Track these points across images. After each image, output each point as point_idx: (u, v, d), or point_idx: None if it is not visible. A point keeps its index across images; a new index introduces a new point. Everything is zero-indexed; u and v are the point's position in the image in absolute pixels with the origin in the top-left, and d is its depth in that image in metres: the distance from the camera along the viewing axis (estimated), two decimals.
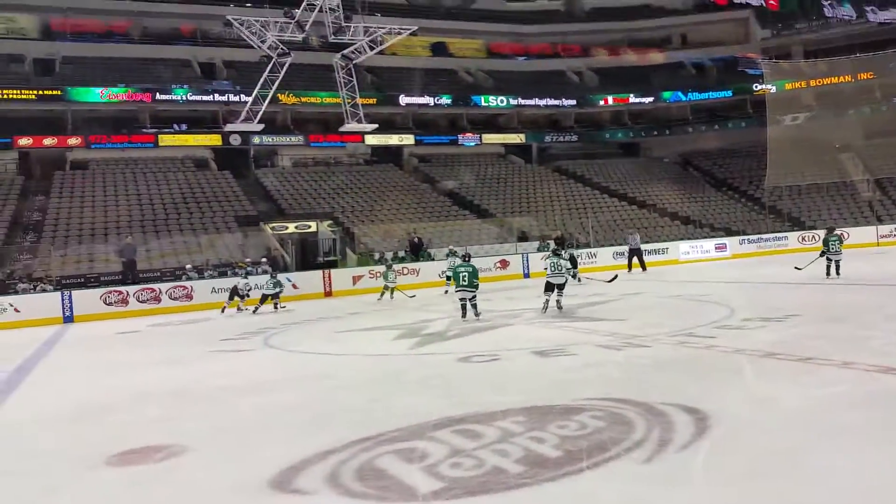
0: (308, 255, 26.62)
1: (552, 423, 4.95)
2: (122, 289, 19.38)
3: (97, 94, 31.36)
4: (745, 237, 29.96)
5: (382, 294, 18.76)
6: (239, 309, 17.70)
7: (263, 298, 17.54)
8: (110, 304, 18.78)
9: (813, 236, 28.03)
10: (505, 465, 4.11)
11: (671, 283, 17.75)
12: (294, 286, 20.62)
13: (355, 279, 21.90)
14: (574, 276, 16.59)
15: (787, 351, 7.11)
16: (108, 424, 6.15)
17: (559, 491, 3.70)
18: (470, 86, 41.11)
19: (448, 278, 17.40)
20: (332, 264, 24.92)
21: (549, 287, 12.69)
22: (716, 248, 28.39)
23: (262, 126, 32.06)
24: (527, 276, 23.95)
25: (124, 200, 27.72)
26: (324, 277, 21.96)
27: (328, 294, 21.53)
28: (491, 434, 4.78)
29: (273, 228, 26.72)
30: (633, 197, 35.54)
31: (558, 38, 43.70)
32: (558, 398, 5.71)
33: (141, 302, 19.10)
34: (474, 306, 12.33)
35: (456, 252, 19.48)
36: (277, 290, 17.77)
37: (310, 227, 27.57)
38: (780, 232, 30.87)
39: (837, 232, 17.16)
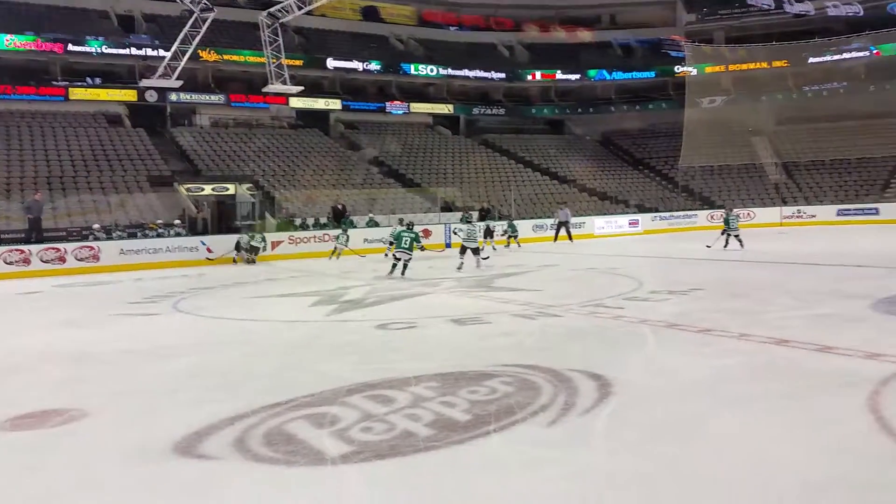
0: (225, 219, 25.83)
1: (464, 388, 5.04)
2: (25, 248, 18.32)
3: (2, 42, 29.19)
4: (658, 214, 31.13)
5: (333, 254, 20.24)
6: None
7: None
8: (11, 262, 17.74)
9: (720, 215, 29.32)
10: (415, 428, 4.17)
11: (586, 256, 18.26)
12: (209, 250, 20.04)
13: (274, 245, 21.45)
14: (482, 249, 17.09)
15: (689, 323, 7.48)
16: (3, 388, 5.86)
17: (466, 453, 3.79)
18: (400, 53, 40.59)
19: (390, 243, 18.20)
20: (251, 229, 24.30)
21: (463, 250, 14.97)
22: (629, 223, 29.41)
23: (180, 83, 30.68)
24: (448, 245, 24.09)
25: (29, 156, 26.08)
26: None
27: None
28: (403, 399, 4.83)
29: (188, 190, 25.76)
30: (555, 172, 36.20)
31: (490, 10, 43.63)
32: (472, 365, 5.82)
33: (45, 262, 18.10)
34: (405, 267, 13.72)
35: (402, 220, 20.29)
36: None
37: (228, 189, 26.72)
38: (690, 210, 32.21)
39: (736, 211, 20.48)
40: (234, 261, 19.72)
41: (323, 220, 24.61)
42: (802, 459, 3.55)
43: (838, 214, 30.52)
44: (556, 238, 25.07)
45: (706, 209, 32.36)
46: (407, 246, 13.79)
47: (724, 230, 18.68)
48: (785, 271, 12.98)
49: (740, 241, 18.18)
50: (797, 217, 31.29)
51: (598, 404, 4.56)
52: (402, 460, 3.70)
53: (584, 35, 43.09)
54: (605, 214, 30.49)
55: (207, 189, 26.33)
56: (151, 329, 9.02)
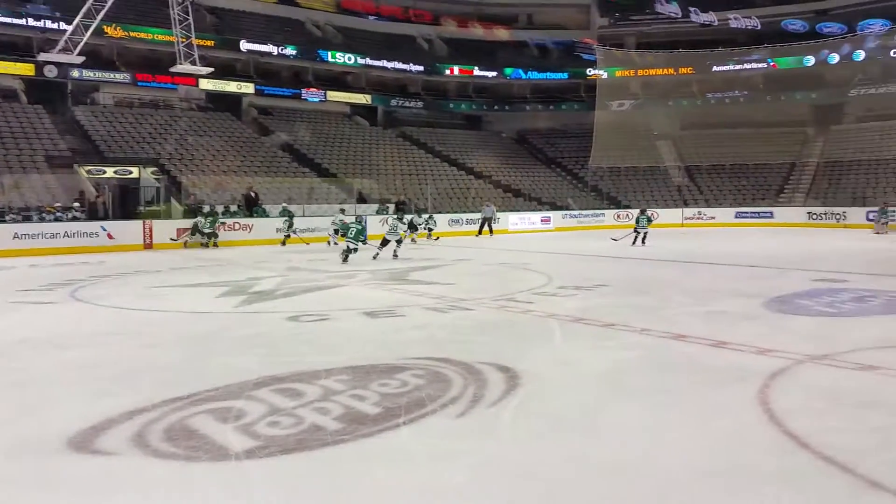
0: (128, 204, 24.64)
1: (375, 381, 5.03)
2: None
3: None
4: (568, 212, 32.02)
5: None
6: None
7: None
8: None
9: (627, 214, 30.56)
10: (324, 422, 4.13)
11: (499, 252, 18.57)
12: (109, 236, 19.11)
13: (180, 232, 20.69)
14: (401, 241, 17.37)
15: (594, 317, 7.74)
16: None
17: (375, 446, 3.78)
18: (318, 40, 39.83)
19: (336, 231, 19.30)
20: (155, 214, 23.31)
21: (384, 242, 15.92)
22: (541, 220, 30.13)
23: (82, 59, 29.00)
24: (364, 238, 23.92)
25: None
26: (144, 228, 20.49)
27: (148, 247, 20.16)
28: (312, 393, 4.76)
29: (89, 172, 24.44)
30: (471, 167, 36.57)
31: (410, 2, 43.49)
32: (383, 357, 5.81)
33: None
34: (348, 253, 14.86)
35: (344, 210, 22.33)
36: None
37: (131, 172, 25.48)
38: (598, 209, 33.31)
39: (648, 213, 21.47)
40: (185, 244, 20.11)
41: (233, 208, 23.89)
42: (695, 448, 3.74)
43: (736, 217, 32.32)
44: (479, 233, 26.20)
45: (613, 208, 33.59)
46: (353, 236, 15.00)
47: (636, 228, 20.30)
48: (685, 270, 13.62)
49: (644, 239, 19.73)
50: (698, 218, 32.92)
51: (506, 396, 4.66)
52: (309, 454, 3.66)
53: (501, 33, 43.64)
54: (518, 211, 31.09)
55: (109, 172, 25.05)
56: (47, 318, 8.52)
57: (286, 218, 21.88)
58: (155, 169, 26.10)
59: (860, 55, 38.52)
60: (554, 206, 33.08)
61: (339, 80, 39.81)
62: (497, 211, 27.51)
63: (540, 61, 44.07)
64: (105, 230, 19.22)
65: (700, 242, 21.35)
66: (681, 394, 4.82)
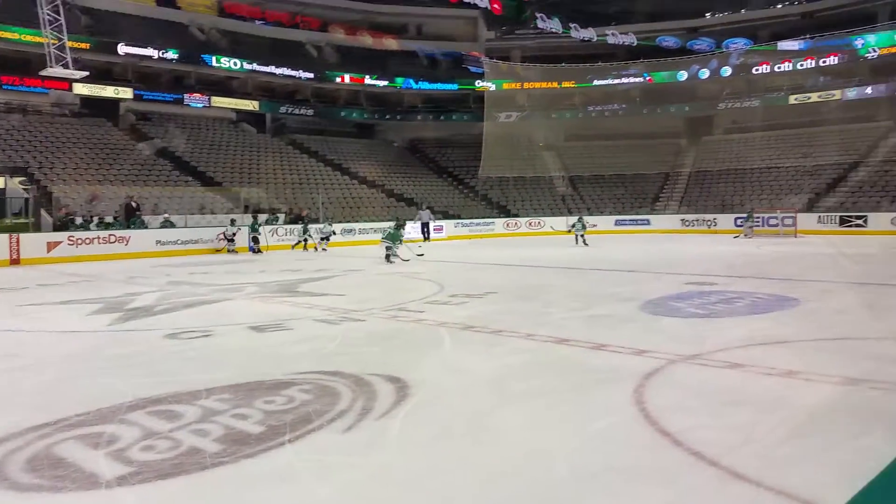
0: None
1: (259, 398, 4.88)
2: None
3: None
4: (460, 221, 32.50)
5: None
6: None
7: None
8: None
9: (515, 223, 31.42)
10: (203, 444, 3.96)
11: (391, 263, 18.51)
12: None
13: (50, 246, 19.31)
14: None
15: (483, 324, 7.88)
16: None
17: (257, 466, 3.65)
18: (201, 43, 38.36)
19: (323, 238, 23.44)
20: (23, 227, 21.66)
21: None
22: (434, 229, 30.32)
23: None
24: (253, 250, 23.23)
25: None
26: (10, 242, 18.98)
27: (15, 262, 18.70)
28: (192, 414, 4.56)
29: None
30: (363, 176, 36.43)
31: (298, 8, 42.67)
32: (269, 373, 5.64)
33: None
34: (390, 254, 17.09)
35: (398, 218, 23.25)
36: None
37: None
38: (488, 218, 34.02)
39: (587, 220, 25.43)
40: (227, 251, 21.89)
41: (108, 220, 22.58)
42: (575, 449, 3.87)
43: (616, 224, 33.86)
44: (425, 238, 27.87)
45: (503, 217, 34.42)
46: (387, 237, 17.52)
47: (574, 235, 23.70)
48: (569, 276, 14.14)
49: (585, 241, 22.87)
50: (591, 227, 34.27)
51: (396, 407, 4.64)
52: (186, 479, 3.49)
53: (391, 42, 43.70)
54: (411, 220, 31.18)
55: None
56: None
57: (303, 225, 24.54)
58: (23, 178, 24.26)
59: (727, 71, 41.54)
60: (447, 215, 33.46)
61: (224, 85, 38.58)
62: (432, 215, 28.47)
63: (430, 72, 44.53)
64: None
65: (582, 249, 22.24)
66: (563, 396, 4.98)
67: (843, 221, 28.86)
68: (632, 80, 43.53)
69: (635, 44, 41.55)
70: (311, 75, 40.69)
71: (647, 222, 34.30)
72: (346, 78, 41.81)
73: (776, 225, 29.33)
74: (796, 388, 5.05)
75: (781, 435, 4.01)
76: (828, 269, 14.48)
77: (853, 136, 36.58)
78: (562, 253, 20.26)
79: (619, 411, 4.53)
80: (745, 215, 29.68)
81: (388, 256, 17.10)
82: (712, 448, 3.76)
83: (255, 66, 38.45)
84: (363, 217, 30.88)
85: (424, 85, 43.60)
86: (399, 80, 42.97)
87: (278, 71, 39.37)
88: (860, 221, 28.31)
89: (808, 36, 39.03)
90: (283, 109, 40.21)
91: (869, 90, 37.35)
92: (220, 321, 8.67)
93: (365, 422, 4.33)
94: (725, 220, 31.97)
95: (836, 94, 38.15)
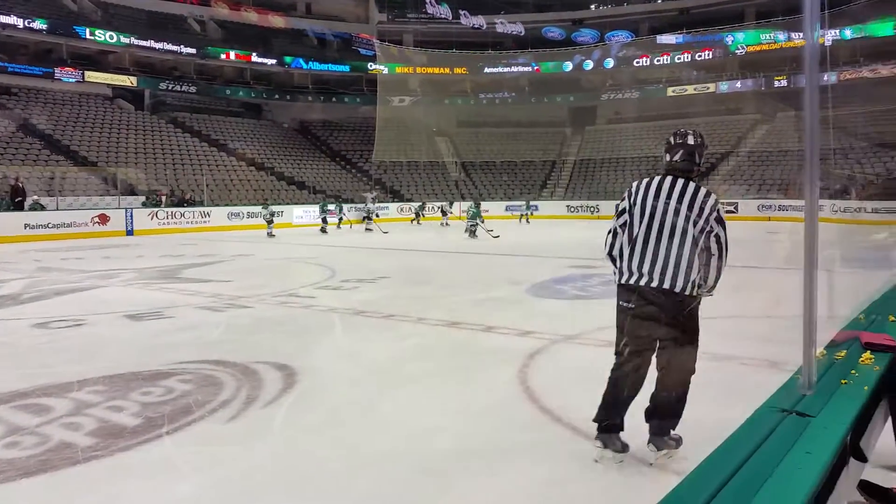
0: None
1: (136, 390, 4.67)
2: None
3: None
4: (354, 205, 32.15)
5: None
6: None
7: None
8: None
9: (409, 207, 31.47)
10: (74, 439, 3.75)
11: (282, 246, 18.16)
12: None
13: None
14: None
15: (375, 309, 7.87)
16: None
17: (133, 460, 3.50)
18: (74, 14, 35.77)
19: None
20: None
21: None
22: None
23: None
24: (130, 233, 22.07)
25: None
26: None
27: None
28: (62, 407, 4.31)
29: None
30: (252, 158, 35.30)
31: None
32: (147, 364, 5.40)
33: None
34: (475, 229, 20.11)
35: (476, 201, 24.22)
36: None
37: None
38: (382, 202, 33.87)
39: (485, 207, 25.16)
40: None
41: None
42: (460, 428, 3.96)
43: (506, 210, 34.61)
44: (365, 223, 27.64)
45: (397, 201, 34.40)
46: (470, 216, 20.54)
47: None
48: (461, 260, 14.36)
49: (473, 232, 20.44)
50: (463, 212, 34.81)
51: (282, 395, 4.57)
52: (53, 476, 3.30)
53: (277, 20, 42.43)
54: (302, 204, 30.57)
55: None
56: None
57: (336, 205, 25.81)
58: None
59: (610, 63, 43.27)
60: (340, 199, 33.01)
61: (99, 59, 36.18)
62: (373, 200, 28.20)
63: (321, 52, 43.64)
64: None
65: (452, 235, 22.55)
66: (451, 378, 5.08)
67: None
68: (520, 69, 44.50)
69: (523, 33, 42.53)
70: (193, 51, 38.85)
71: (536, 208, 35.31)
72: (232, 55, 40.22)
73: None
74: None
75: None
76: None
77: (725, 127, 39.15)
78: (455, 238, 20.52)
79: (503, 390, 4.67)
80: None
81: (472, 231, 20.09)
82: (589, 424, 3.94)
83: (133, 40, 36.28)
84: (250, 200, 29.96)
85: (315, 65, 42.67)
86: (288, 59, 41.82)
87: (158, 45, 37.32)
88: (731, 208, 30.38)
89: (684, 31, 41.33)
90: (163, 86, 38.18)
91: (739, 84, 40.05)
92: (95, 309, 8.18)
93: (249, 411, 4.23)
94: (607, 207, 33.43)
95: (710, 88, 40.66)
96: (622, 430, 3.40)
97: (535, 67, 44.17)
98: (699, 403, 4.33)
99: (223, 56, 40.05)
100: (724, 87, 40.43)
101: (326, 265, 12.84)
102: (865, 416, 1.54)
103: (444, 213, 28.84)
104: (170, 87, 38.39)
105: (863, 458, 1.41)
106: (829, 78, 34.25)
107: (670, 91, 41.79)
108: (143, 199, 26.10)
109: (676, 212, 3.17)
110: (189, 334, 6.70)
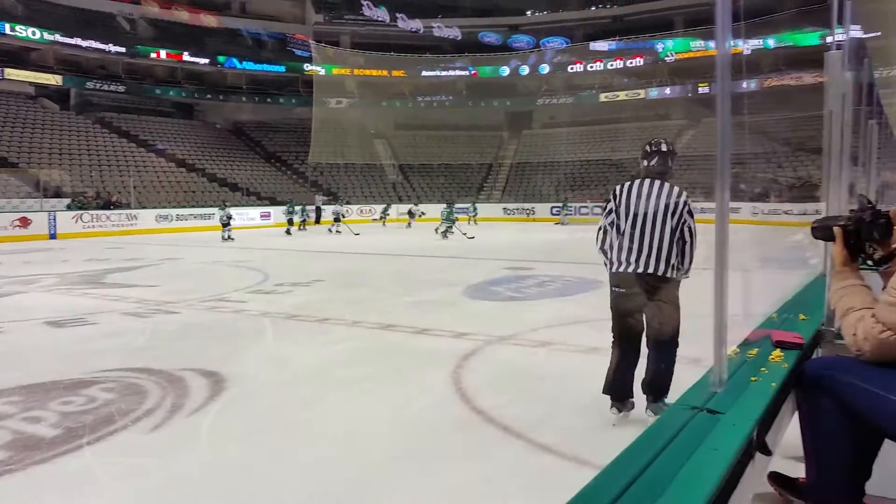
0: None
1: (55, 399, 4.48)
2: None
3: None
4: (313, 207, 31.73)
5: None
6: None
7: None
8: None
9: (347, 210, 31.18)
10: None
11: (213, 249, 17.73)
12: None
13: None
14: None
15: (309, 313, 7.77)
16: None
17: (50, 472, 3.35)
18: None
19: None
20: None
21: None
22: (261, 216, 29.38)
23: None
24: (53, 236, 21.15)
25: None
26: None
27: None
28: None
29: None
30: (182, 159, 34.35)
31: None
32: (68, 372, 5.18)
33: None
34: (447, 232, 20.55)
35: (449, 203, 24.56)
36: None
37: None
38: (350, 204, 33.51)
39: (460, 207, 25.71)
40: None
41: None
42: (392, 432, 3.94)
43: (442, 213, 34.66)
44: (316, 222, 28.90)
45: (333, 204, 34.02)
46: (444, 217, 21.13)
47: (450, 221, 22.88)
48: (397, 262, 14.33)
49: (445, 234, 20.73)
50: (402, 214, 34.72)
51: (209, 402, 4.45)
52: None
53: (210, 19, 41.44)
54: (235, 206, 29.92)
55: None
56: None
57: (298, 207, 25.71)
58: None
59: (545, 68, 44.01)
60: (275, 202, 32.46)
61: (20, 56, 34.57)
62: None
63: (255, 52, 42.86)
64: None
65: (411, 237, 22.63)
66: (385, 381, 5.05)
67: None
68: (458, 72, 44.79)
69: (460, 37, 42.79)
70: (122, 50, 37.58)
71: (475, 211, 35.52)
72: (162, 54, 39.10)
73: (587, 213, 31.71)
74: (597, 363, 5.47)
75: (582, 407, 4.35)
76: None
77: (654, 132, 40.23)
78: (392, 240, 20.50)
79: (436, 392, 4.67)
80: (560, 205, 31.76)
81: (445, 234, 20.56)
82: (520, 423, 4.00)
83: (59, 37, 34.84)
84: (180, 203, 29.14)
85: (249, 65, 41.86)
86: (221, 58, 40.92)
87: (85, 43, 35.96)
88: None
89: (617, 38, 42.40)
90: (90, 85, 36.78)
91: (668, 91, 41.34)
92: (11, 316, 7.80)
93: (174, 419, 4.10)
94: (543, 209, 33.98)
95: (641, 94, 41.82)
96: (631, 396, 4.00)
97: (473, 71, 44.54)
98: None
99: (153, 55, 38.88)
100: (653, 93, 41.65)
101: (259, 269, 12.60)
102: (772, 411, 1.61)
103: (411, 214, 28.66)
104: (97, 87, 37.00)
105: (768, 452, 1.47)
106: (750, 85, 35.79)
107: (603, 97, 42.78)
108: (67, 201, 25.05)
109: (656, 209, 3.80)
110: (113, 341, 6.46)
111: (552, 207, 33.08)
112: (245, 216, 28.76)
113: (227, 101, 41.84)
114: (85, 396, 4.55)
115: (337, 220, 25.66)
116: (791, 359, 1.92)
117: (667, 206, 3.80)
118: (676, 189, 3.88)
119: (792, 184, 30.60)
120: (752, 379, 1.70)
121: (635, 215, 3.83)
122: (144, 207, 26.34)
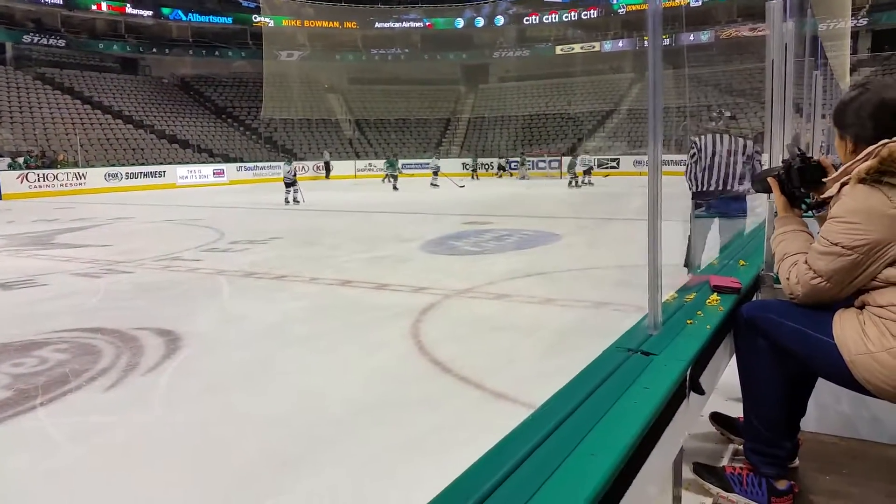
0: None
1: (6, 361, 4.42)
2: None
3: None
4: (243, 164, 31.10)
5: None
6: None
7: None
8: None
9: (303, 166, 30.75)
10: None
11: (165, 208, 17.36)
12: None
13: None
14: None
15: (265, 270, 7.72)
16: None
17: (3, 434, 3.32)
18: None
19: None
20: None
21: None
22: (214, 173, 28.80)
23: None
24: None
25: None
26: None
27: None
28: None
29: None
30: (129, 116, 33.24)
31: None
32: (18, 335, 5.09)
33: None
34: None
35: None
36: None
37: None
38: (274, 161, 32.91)
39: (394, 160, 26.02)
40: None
41: None
42: (350, 387, 3.99)
43: (402, 168, 34.45)
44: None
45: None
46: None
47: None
48: (355, 219, 14.25)
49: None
50: (369, 170, 34.44)
51: (165, 361, 4.43)
52: None
53: None
54: (186, 163, 29.26)
55: None
56: None
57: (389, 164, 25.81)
58: None
59: (500, 20, 43.48)
60: (227, 159, 31.78)
61: None
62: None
63: (201, 3, 41.29)
64: None
65: (369, 193, 22.47)
66: (343, 336, 5.08)
67: (600, 164, 32.01)
68: (412, 24, 43.94)
69: None
70: (59, 1, 35.76)
71: (439, 168, 35.38)
72: (104, 6, 37.42)
73: (544, 167, 31.86)
74: (552, 313, 5.64)
75: (537, 355, 4.47)
76: (588, 206, 16.11)
77: (608, 86, 40.40)
78: (349, 196, 20.31)
79: (395, 346, 4.73)
80: (518, 159, 31.80)
81: (394, 185, 23.15)
82: (478, 372, 4.10)
83: None
84: (130, 160, 28.32)
85: (195, 17, 40.38)
86: (166, 10, 39.36)
87: None
88: (614, 164, 31.61)
89: None
90: (26, 38, 35.03)
91: (621, 43, 41.34)
92: None
93: (129, 378, 4.09)
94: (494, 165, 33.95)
95: (596, 47, 41.74)
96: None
97: (427, 23, 43.77)
98: (575, 349, 4.57)
99: (94, 7, 37.20)
100: (607, 45, 41.61)
101: (213, 227, 12.42)
102: (707, 353, 1.68)
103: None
104: (35, 41, 35.27)
105: (701, 392, 1.55)
106: (701, 37, 36.03)
107: (558, 49, 42.57)
108: (8, 160, 24.09)
109: (728, 151, 5.29)
110: (64, 302, 6.34)
111: (511, 161, 33.12)
112: (197, 173, 28.15)
113: (173, 54, 40.40)
114: (37, 357, 4.49)
115: (435, 173, 26.07)
116: (728, 303, 2.00)
117: (735, 148, 5.30)
118: (741, 139, 5.39)
119: (745, 135, 31.09)
120: (689, 322, 1.77)
121: (712, 155, 5.30)
122: (92, 166, 25.52)
